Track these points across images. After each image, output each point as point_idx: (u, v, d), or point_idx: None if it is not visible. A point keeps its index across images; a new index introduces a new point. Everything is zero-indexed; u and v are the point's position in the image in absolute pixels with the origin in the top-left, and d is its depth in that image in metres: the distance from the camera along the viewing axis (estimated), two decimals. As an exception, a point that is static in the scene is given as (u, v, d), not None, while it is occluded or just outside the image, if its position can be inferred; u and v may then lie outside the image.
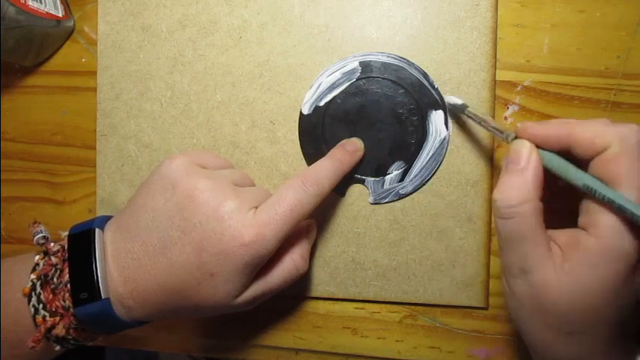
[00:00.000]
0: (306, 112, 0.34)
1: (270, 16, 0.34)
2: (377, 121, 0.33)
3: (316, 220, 0.34)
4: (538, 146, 0.25)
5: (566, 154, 0.24)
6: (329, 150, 0.32)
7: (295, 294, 0.35)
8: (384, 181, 0.33)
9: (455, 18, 0.33)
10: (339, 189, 0.33)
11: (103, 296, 0.27)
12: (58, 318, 0.27)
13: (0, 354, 0.28)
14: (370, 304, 0.35)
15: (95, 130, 0.36)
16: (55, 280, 0.28)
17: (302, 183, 0.29)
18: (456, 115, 0.33)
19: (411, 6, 0.33)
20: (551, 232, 0.25)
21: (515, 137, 0.26)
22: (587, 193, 0.23)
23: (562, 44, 0.33)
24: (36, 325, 0.27)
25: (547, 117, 0.33)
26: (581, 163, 0.24)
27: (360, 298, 0.34)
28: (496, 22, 0.33)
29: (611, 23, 0.32)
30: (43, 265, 0.28)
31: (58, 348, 0.28)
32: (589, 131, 0.23)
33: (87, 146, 0.37)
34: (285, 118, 0.34)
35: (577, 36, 0.33)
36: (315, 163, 0.30)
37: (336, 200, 0.34)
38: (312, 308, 0.35)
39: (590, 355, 0.24)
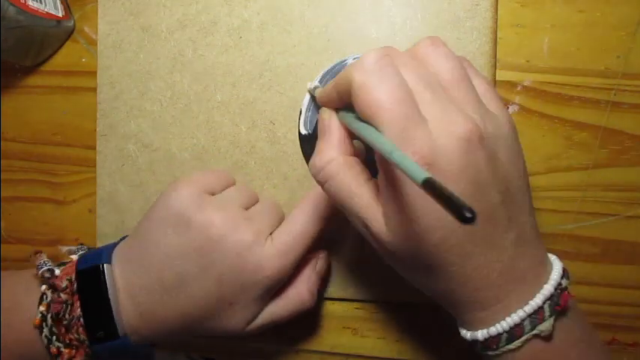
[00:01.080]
0: (304, 132, 0.33)
1: (270, 16, 0.34)
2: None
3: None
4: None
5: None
6: None
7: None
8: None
9: (455, 18, 0.33)
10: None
11: (120, 334, 0.27)
12: (74, 350, 0.27)
13: None
14: (370, 304, 0.35)
15: (95, 130, 0.36)
16: (66, 316, 0.27)
17: (315, 207, 0.29)
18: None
19: (411, 6, 0.33)
20: (375, 179, 0.24)
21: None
22: (359, 137, 0.23)
23: (562, 44, 0.33)
24: (50, 354, 0.27)
25: (547, 117, 0.33)
26: None
27: (360, 298, 0.34)
28: (496, 22, 0.33)
29: (611, 23, 0.32)
30: (52, 302, 0.27)
31: None
32: (340, 76, 0.24)
33: (87, 146, 0.37)
34: (285, 118, 0.34)
35: (577, 36, 0.33)
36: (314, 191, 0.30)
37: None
38: (312, 308, 0.35)
39: (458, 284, 0.23)
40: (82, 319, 0.27)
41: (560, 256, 0.29)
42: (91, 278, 0.28)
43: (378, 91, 0.21)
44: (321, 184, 0.25)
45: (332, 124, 0.25)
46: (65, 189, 0.38)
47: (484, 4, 0.32)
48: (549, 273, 0.24)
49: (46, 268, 0.28)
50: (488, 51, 0.32)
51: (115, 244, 0.30)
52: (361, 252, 0.34)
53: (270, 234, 0.29)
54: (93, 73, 0.36)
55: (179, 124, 0.35)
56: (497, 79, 0.33)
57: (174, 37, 0.35)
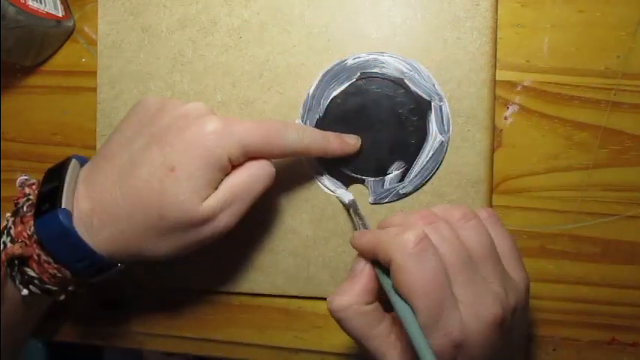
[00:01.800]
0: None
1: (270, 16, 0.34)
2: (377, 121, 0.33)
3: (316, 219, 0.34)
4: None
5: None
6: None
7: (295, 294, 0.35)
8: (384, 181, 0.33)
9: (455, 18, 0.33)
10: (342, 190, 0.34)
11: (63, 206, 0.26)
12: (19, 246, 0.27)
13: None
14: (370, 304, 0.35)
15: (95, 130, 0.36)
16: (24, 209, 0.28)
17: (285, 126, 0.29)
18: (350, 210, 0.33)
19: (411, 6, 0.33)
20: (393, 314, 0.27)
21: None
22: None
23: (562, 44, 0.33)
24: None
25: (547, 117, 0.33)
26: None
27: (360, 298, 0.34)
28: (496, 22, 0.33)
29: (611, 23, 0.32)
30: (17, 196, 0.29)
31: (25, 292, 0.28)
32: (380, 246, 0.25)
33: (87, 146, 0.37)
34: (285, 118, 0.34)
35: (577, 36, 0.33)
36: (308, 126, 0.32)
37: (336, 200, 0.34)
38: (312, 308, 0.35)
39: None
40: (36, 201, 0.28)
41: (560, 256, 0.29)
42: (57, 168, 0.29)
43: (415, 277, 0.23)
44: (336, 320, 0.26)
45: (364, 273, 0.26)
46: (65, 189, 0.38)
47: (484, 4, 0.32)
48: None
49: (25, 177, 0.30)
50: (488, 51, 0.32)
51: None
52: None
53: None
54: (93, 73, 0.36)
55: (179, 124, 0.35)
56: (497, 79, 0.33)
57: (174, 37, 0.35)
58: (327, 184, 0.34)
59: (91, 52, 0.37)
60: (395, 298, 0.24)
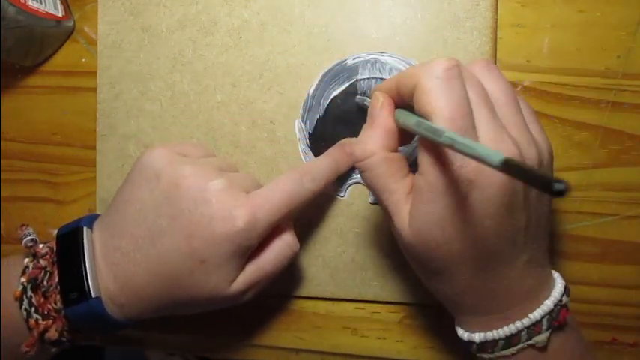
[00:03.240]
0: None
1: (270, 16, 0.34)
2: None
3: (316, 220, 0.34)
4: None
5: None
6: (325, 149, 0.32)
7: (295, 294, 0.35)
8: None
9: (455, 18, 0.33)
10: (340, 190, 0.33)
11: (93, 295, 0.27)
12: (50, 321, 0.27)
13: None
14: (370, 304, 0.35)
15: (95, 130, 0.36)
16: (45, 283, 0.27)
17: (300, 176, 0.28)
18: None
19: (411, 6, 0.33)
20: (413, 176, 0.25)
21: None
22: (417, 133, 0.23)
23: (562, 44, 0.33)
24: (29, 328, 0.27)
25: (547, 117, 0.33)
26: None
27: (360, 298, 0.34)
28: (496, 22, 0.33)
29: (611, 23, 0.32)
30: (32, 268, 0.28)
31: (53, 350, 0.28)
32: (405, 75, 0.24)
33: (87, 146, 0.37)
34: (285, 118, 0.34)
35: (577, 36, 0.33)
36: (314, 160, 0.31)
37: (336, 200, 0.34)
38: (312, 308, 0.35)
39: (464, 291, 0.24)
40: (59, 287, 0.27)
41: (560, 256, 0.29)
42: (70, 241, 0.28)
43: (443, 100, 0.22)
44: (360, 171, 0.26)
45: (382, 113, 0.26)
46: (65, 189, 0.38)
47: (484, 4, 0.32)
48: (551, 289, 0.25)
49: (29, 237, 0.29)
50: (488, 51, 0.32)
51: (98, 215, 0.30)
52: (361, 252, 0.34)
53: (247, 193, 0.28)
54: (93, 73, 0.36)
55: (179, 124, 0.35)
56: (497, 79, 0.33)
57: (174, 37, 0.35)
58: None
59: (91, 52, 0.37)
60: (415, 120, 0.23)
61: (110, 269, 0.27)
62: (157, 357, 0.69)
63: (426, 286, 0.27)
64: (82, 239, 0.28)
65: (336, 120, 0.33)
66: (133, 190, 0.28)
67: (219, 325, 0.36)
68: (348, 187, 0.34)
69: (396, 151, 0.26)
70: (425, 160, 0.23)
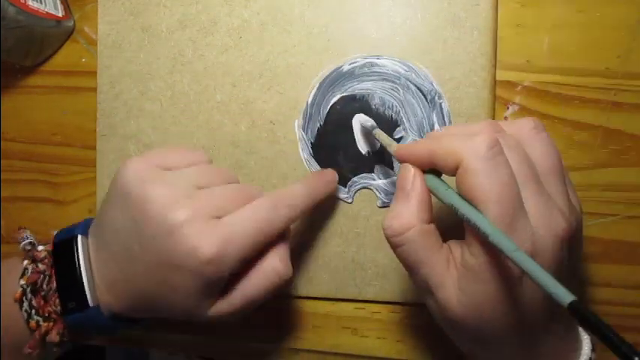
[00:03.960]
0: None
1: (270, 16, 0.34)
2: (379, 124, 0.33)
3: (316, 220, 0.34)
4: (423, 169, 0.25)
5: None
6: (328, 157, 0.33)
7: (295, 294, 0.35)
8: (391, 184, 0.33)
9: (455, 18, 0.33)
10: (347, 196, 0.33)
11: (90, 304, 0.27)
12: (51, 323, 0.27)
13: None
14: (370, 304, 0.35)
15: (95, 130, 0.36)
16: (44, 286, 0.27)
17: (274, 204, 0.27)
18: (367, 133, 0.33)
19: (411, 6, 0.33)
20: (451, 243, 0.24)
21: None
22: (468, 224, 0.22)
23: (562, 44, 0.33)
24: (30, 329, 0.27)
25: (547, 117, 0.33)
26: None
27: (360, 298, 0.34)
28: (496, 22, 0.33)
29: (611, 23, 0.32)
30: (31, 272, 0.28)
31: (55, 349, 0.28)
32: (444, 149, 0.23)
33: (87, 146, 0.37)
34: (285, 118, 0.34)
35: (577, 36, 0.33)
36: (290, 187, 0.29)
37: (336, 201, 0.34)
38: (312, 308, 0.35)
39: (509, 356, 0.25)
40: (57, 293, 0.27)
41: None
42: (66, 249, 0.28)
43: (489, 183, 0.21)
44: (394, 246, 0.24)
45: (416, 186, 0.24)
46: (65, 189, 0.38)
47: (484, 4, 0.32)
48: (582, 348, 0.25)
49: (27, 241, 0.29)
50: (488, 51, 0.32)
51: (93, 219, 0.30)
52: (361, 252, 0.34)
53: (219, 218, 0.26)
54: (93, 73, 0.36)
55: (179, 124, 0.35)
56: (497, 79, 0.33)
57: (174, 37, 0.35)
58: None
59: (91, 52, 0.37)
60: (461, 203, 0.22)
61: (102, 279, 0.27)
62: (159, 355, 0.69)
63: (462, 351, 0.27)
64: (77, 248, 0.27)
65: (337, 127, 0.33)
66: (110, 207, 0.27)
67: (219, 325, 0.36)
68: (355, 192, 0.34)
69: (431, 221, 0.24)
70: (475, 244, 0.22)
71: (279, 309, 0.35)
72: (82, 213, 0.37)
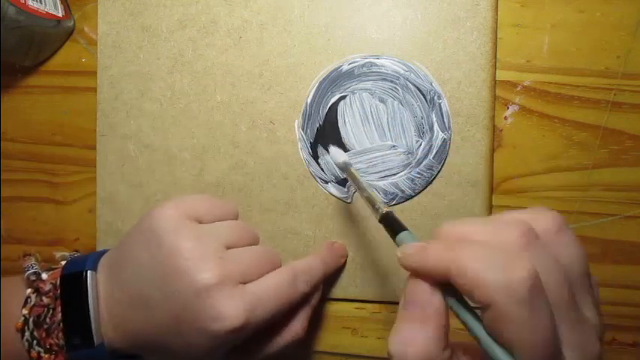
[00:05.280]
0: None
1: (270, 16, 0.34)
2: (378, 125, 0.33)
3: (316, 219, 0.34)
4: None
5: None
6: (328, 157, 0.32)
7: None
8: (391, 184, 0.33)
9: (455, 18, 0.33)
10: (347, 196, 0.33)
11: (96, 342, 0.27)
12: (53, 356, 0.27)
13: None
14: (370, 304, 0.35)
15: (95, 130, 0.36)
16: (47, 320, 0.27)
17: (294, 278, 0.28)
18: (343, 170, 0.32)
19: (411, 6, 0.33)
20: None
21: (386, 214, 0.24)
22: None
23: (562, 44, 0.33)
24: (30, 358, 0.27)
25: (547, 117, 0.33)
26: None
27: (360, 298, 0.34)
28: (496, 22, 0.33)
29: (611, 23, 0.32)
30: (35, 304, 0.27)
31: None
32: (467, 278, 0.18)
33: (87, 146, 0.37)
34: (285, 118, 0.34)
35: (577, 36, 0.33)
36: (308, 261, 0.30)
37: (336, 201, 0.34)
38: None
39: None
40: (62, 325, 0.27)
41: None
42: (74, 283, 0.27)
43: (529, 331, 0.18)
44: None
45: (435, 305, 0.19)
46: (65, 189, 0.38)
47: (484, 4, 0.32)
48: None
49: (32, 271, 0.28)
50: (488, 51, 0.32)
51: (104, 252, 0.30)
52: (361, 252, 0.34)
53: (246, 283, 0.27)
54: (93, 73, 0.36)
55: (179, 124, 0.35)
56: (497, 79, 0.33)
57: (174, 37, 0.35)
58: (331, 190, 0.34)
59: (91, 52, 0.37)
60: (493, 347, 0.19)
61: (111, 318, 0.27)
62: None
63: None
64: (87, 285, 0.27)
65: (337, 127, 0.33)
66: (135, 247, 0.27)
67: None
68: (354, 192, 0.34)
69: (446, 347, 0.20)
70: None
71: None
72: (82, 213, 0.37)
